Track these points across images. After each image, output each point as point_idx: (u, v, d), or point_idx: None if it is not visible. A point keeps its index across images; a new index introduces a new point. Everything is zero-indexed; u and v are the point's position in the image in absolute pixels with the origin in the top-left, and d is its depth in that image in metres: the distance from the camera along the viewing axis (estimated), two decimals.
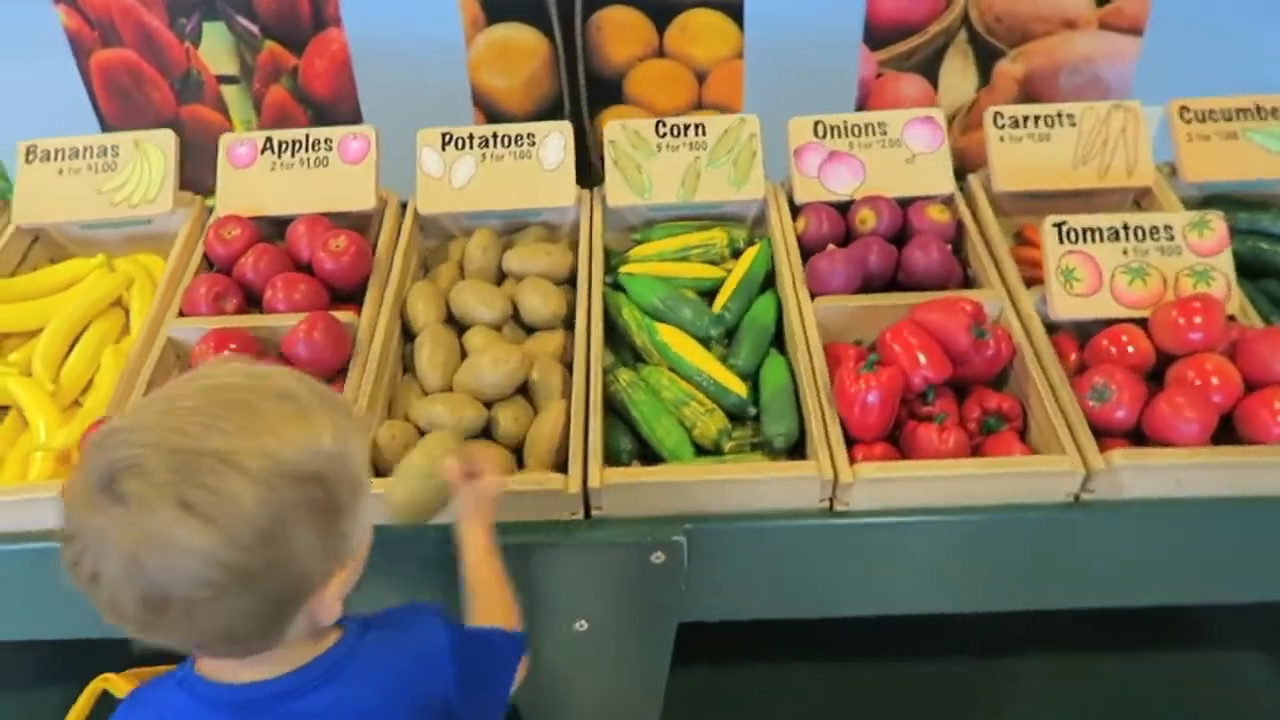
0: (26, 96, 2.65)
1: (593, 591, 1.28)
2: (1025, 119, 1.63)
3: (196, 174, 1.62)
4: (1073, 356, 1.39)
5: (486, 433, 1.36)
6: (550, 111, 2.68)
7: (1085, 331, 1.41)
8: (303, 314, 1.39)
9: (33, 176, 1.63)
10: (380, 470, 1.28)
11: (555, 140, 1.62)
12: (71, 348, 1.48)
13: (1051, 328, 1.41)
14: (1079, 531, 1.25)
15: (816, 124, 1.63)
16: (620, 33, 2.55)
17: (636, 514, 1.24)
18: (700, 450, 1.35)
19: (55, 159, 1.63)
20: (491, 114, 2.68)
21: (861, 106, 2.69)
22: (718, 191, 1.60)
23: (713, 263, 1.58)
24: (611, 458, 1.32)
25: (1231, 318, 1.39)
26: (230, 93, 2.65)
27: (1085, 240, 1.42)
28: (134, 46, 2.55)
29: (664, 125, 1.64)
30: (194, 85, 2.63)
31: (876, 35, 2.57)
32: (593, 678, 1.41)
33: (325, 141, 1.62)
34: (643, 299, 1.48)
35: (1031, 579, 1.33)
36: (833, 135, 1.62)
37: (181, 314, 1.45)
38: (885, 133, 1.62)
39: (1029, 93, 2.67)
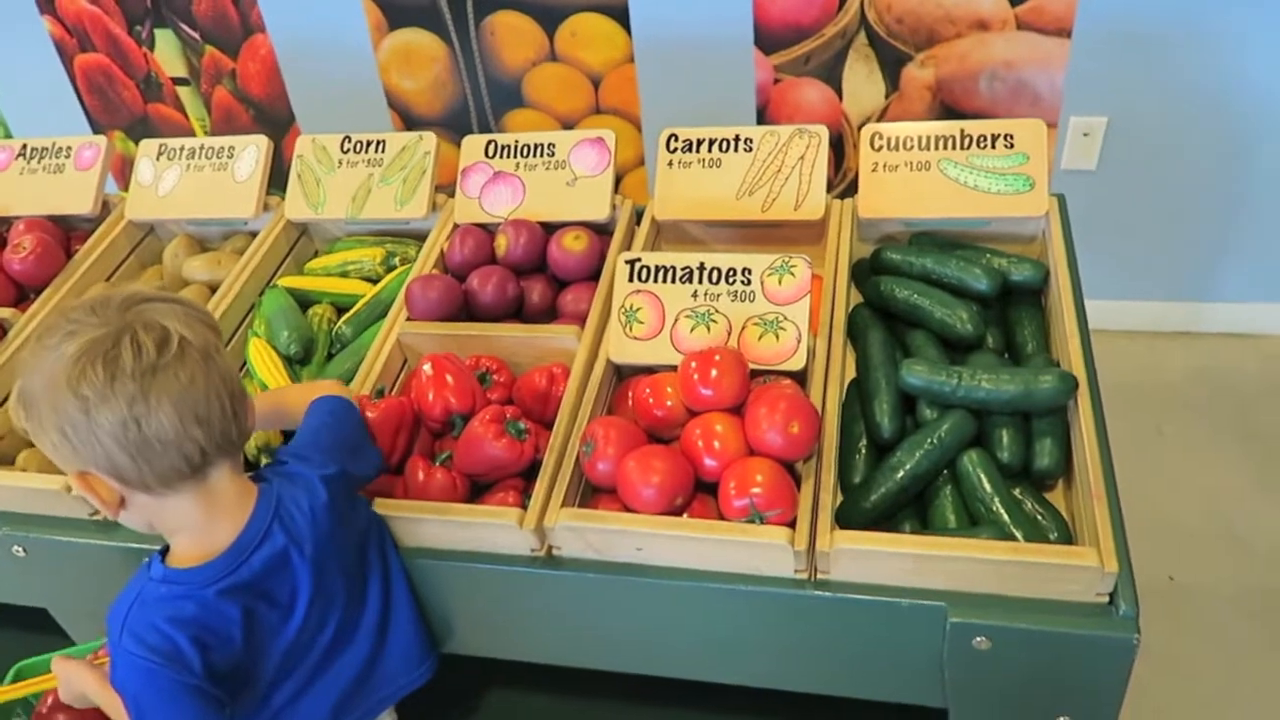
0: (29, 95, 3.04)
1: None
2: (699, 143, 1.52)
3: None
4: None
5: None
6: (458, 114, 2.75)
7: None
8: None
9: None
10: None
11: (250, 154, 1.69)
12: None
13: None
14: (537, 587, 1.19)
15: (489, 143, 1.60)
16: (512, 37, 2.57)
17: None
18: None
19: None
20: (405, 116, 2.78)
21: (762, 112, 2.56)
22: (383, 209, 1.62)
23: (369, 280, 1.60)
24: None
25: (795, 375, 1.25)
26: (184, 93, 2.90)
27: (655, 279, 1.33)
28: (105, 51, 2.85)
29: (349, 141, 1.66)
30: (154, 86, 2.90)
31: (768, 38, 2.43)
32: None
33: (66, 149, 1.77)
34: (265, 311, 1.54)
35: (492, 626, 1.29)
36: (503, 155, 1.59)
37: None
38: (553, 154, 1.57)
39: (945, 100, 2.44)
